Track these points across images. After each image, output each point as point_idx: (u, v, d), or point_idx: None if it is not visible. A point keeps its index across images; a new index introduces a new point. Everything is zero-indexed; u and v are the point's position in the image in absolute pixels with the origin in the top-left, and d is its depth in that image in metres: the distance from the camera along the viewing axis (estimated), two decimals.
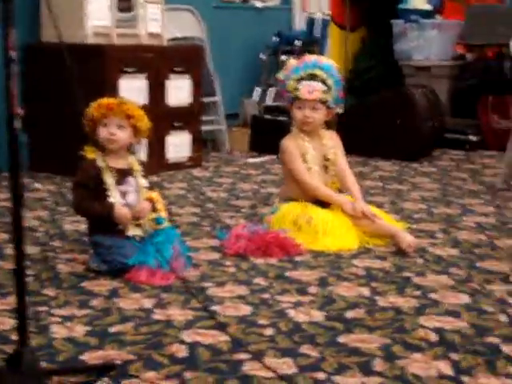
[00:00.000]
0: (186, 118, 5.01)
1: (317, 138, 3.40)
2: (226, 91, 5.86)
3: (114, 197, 2.82)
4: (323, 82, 3.32)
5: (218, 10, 6.19)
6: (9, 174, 1.76)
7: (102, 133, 2.81)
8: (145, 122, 2.88)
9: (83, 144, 2.91)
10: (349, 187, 3.38)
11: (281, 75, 3.44)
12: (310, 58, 3.40)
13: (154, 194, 2.93)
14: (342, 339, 2.23)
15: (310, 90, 3.32)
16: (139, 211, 2.82)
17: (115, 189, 2.82)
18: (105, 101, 2.82)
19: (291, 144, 3.38)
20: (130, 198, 2.85)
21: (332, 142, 3.41)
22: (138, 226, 2.86)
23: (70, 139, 4.47)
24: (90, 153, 2.85)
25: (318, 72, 3.33)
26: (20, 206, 1.73)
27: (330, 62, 3.43)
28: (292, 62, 3.43)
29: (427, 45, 6.50)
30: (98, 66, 4.28)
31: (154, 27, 4.93)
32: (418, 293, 2.64)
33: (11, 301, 2.49)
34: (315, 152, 3.37)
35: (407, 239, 3.13)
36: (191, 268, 2.88)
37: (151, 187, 2.97)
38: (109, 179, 2.81)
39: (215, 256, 3.07)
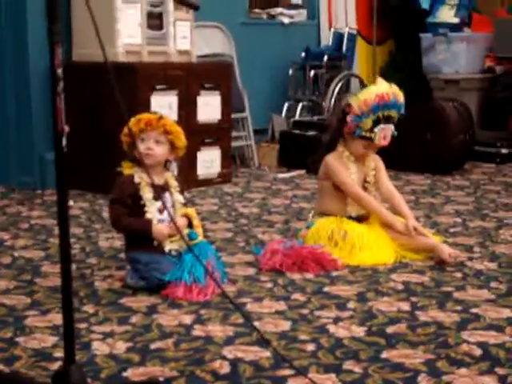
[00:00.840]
0: (216, 134, 5.03)
1: (361, 159, 3.39)
2: (254, 107, 5.87)
3: (151, 213, 2.82)
4: (394, 122, 3.29)
5: (246, 27, 6.22)
6: (56, 191, 1.77)
7: (140, 148, 2.81)
8: (182, 139, 2.88)
9: (117, 161, 2.92)
10: (398, 206, 3.36)
11: (356, 107, 3.23)
12: (390, 97, 3.22)
13: (190, 210, 2.93)
14: (384, 355, 2.21)
15: (385, 135, 3.27)
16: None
17: (153, 204, 2.83)
18: (144, 116, 2.83)
19: (338, 161, 3.36)
20: (166, 213, 2.85)
21: (374, 163, 3.39)
22: (174, 241, 2.86)
23: (102, 156, 4.53)
24: (127, 169, 2.86)
25: (393, 114, 3.26)
26: (66, 224, 1.72)
27: (402, 98, 3.28)
28: (371, 95, 3.21)
29: (456, 58, 6.48)
30: (130, 83, 4.30)
31: (184, 44, 4.97)
32: (459, 307, 2.61)
33: (51, 318, 2.51)
34: (357, 174, 3.35)
35: (446, 250, 3.12)
36: (228, 283, 2.87)
37: (186, 203, 2.97)
38: (146, 195, 2.82)
39: (251, 271, 3.06)
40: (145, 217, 2.81)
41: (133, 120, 2.81)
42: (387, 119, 3.25)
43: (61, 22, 1.65)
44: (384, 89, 3.23)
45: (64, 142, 1.69)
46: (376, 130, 3.24)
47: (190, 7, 2.05)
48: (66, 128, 1.71)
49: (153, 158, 2.83)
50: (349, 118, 3.25)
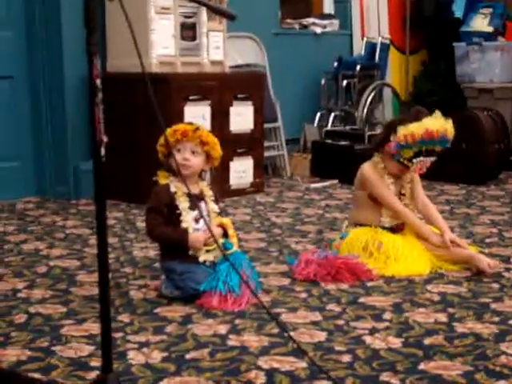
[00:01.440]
0: (249, 143, 5.03)
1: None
2: (286, 117, 5.87)
3: (187, 221, 2.83)
4: (437, 154, 3.26)
5: (278, 37, 6.23)
6: (94, 201, 1.77)
7: (177, 158, 2.82)
8: (217, 150, 2.89)
9: (152, 171, 2.93)
10: (433, 219, 3.34)
11: (402, 136, 3.18)
12: (439, 134, 3.17)
13: (226, 220, 2.93)
14: (422, 366, 2.18)
15: (422, 167, 3.26)
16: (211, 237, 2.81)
17: (189, 213, 2.83)
18: (181, 126, 2.84)
19: (373, 171, 3.34)
20: (202, 223, 2.85)
21: (409, 175, 3.37)
22: (209, 251, 2.86)
23: (137, 166, 4.56)
24: (163, 178, 2.87)
25: (437, 148, 3.23)
26: (105, 235, 1.73)
27: (452, 134, 3.24)
28: (421, 129, 3.16)
29: (490, 67, 6.41)
30: (164, 94, 4.32)
31: (217, 55, 4.98)
32: (497, 319, 2.57)
33: (87, 327, 2.52)
34: (393, 186, 3.33)
35: (485, 260, 3.09)
36: (262, 293, 2.87)
37: (221, 213, 2.97)
38: (182, 204, 2.83)
39: (285, 281, 3.05)
40: (180, 226, 2.82)
41: (169, 130, 2.82)
42: (430, 152, 3.22)
43: (98, 33, 1.66)
44: (436, 126, 3.17)
45: (103, 152, 1.70)
46: (415, 160, 3.23)
47: (226, 17, 2.05)
48: (105, 138, 1.72)
49: (189, 169, 2.84)
50: (392, 144, 3.23)
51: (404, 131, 3.19)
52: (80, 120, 4.81)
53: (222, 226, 2.88)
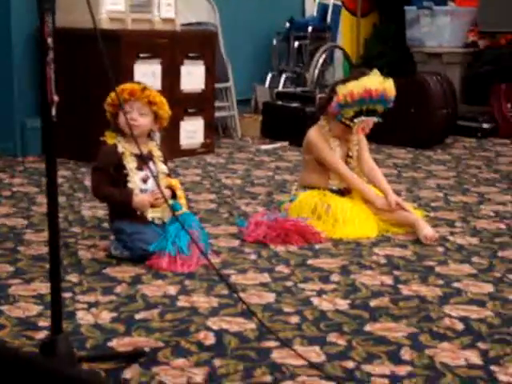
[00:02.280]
0: (200, 103, 5.00)
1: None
2: (237, 77, 5.84)
3: (135, 182, 2.81)
4: (379, 114, 3.28)
5: None
6: (45, 161, 1.75)
7: (123, 118, 2.78)
8: (166, 110, 2.87)
9: (101, 129, 2.90)
10: (378, 182, 3.38)
11: (341, 95, 3.22)
12: (378, 93, 3.20)
13: (174, 181, 2.93)
14: (368, 328, 2.24)
15: (364, 126, 3.28)
16: (159, 197, 2.80)
17: (136, 174, 2.81)
18: (128, 86, 2.80)
19: (319, 135, 3.36)
20: (150, 183, 2.84)
21: (356, 138, 3.39)
22: (156, 210, 2.85)
23: (85, 124, 4.49)
24: (110, 138, 2.84)
25: (378, 108, 3.25)
26: (55, 196, 1.71)
27: (392, 94, 3.26)
28: (359, 88, 3.19)
29: (440, 32, 6.47)
30: (114, 51, 4.25)
31: (168, 12, 4.91)
32: (441, 282, 2.64)
33: (35, 287, 2.51)
34: (339, 148, 3.36)
35: (424, 231, 3.13)
36: (212, 255, 2.88)
37: (169, 174, 2.96)
38: (130, 164, 2.80)
39: (235, 243, 3.07)
40: (127, 186, 2.80)
41: (116, 89, 2.77)
42: (370, 112, 3.25)
43: None
44: (375, 84, 3.20)
45: (53, 111, 1.67)
46: (356, 120, 3.26)
47: None
48: (56, 98, 1.69)
49: (137, 129, 2.81)
50: (332, 104, 3.25)
51: (343, 90, 3.22)
52: (27, 76, 4.71)
53: (170, 187, 2.87)
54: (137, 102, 2.82)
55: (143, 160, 2.80)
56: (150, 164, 2.87)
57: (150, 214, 2.84)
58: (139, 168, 2.83)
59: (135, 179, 2.82)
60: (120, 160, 2.81)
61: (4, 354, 1.50)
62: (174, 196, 2.90)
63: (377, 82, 3.21)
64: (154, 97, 2.84)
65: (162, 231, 2.81)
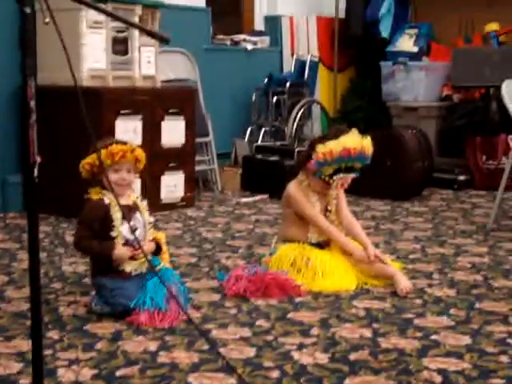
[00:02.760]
0: (180, 158, 5.06)
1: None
2: (217, 131, 5.92)
3: (119, 232, 2.83)
4: (357, 170, 3.35)
5: (210, 53, 6.29)
6: (27, 219, 1.78)
7: (113, 178, 2.83)
8: (144, 162, 2.94)
9: (81, 184, 2.93)
10: (357, 235, 3.43)
11: (320, 154, 3.26)
12: (356, 151, 3.27)
13: (160, 235, 2.97)
14: (347, 381, 2.25)
15: (343, 183, 3.36)
16: (138, 252, 2.82)
17: (123, 224, 2.84)
18: (117, 148, 2.84)
19: (298, 190, 3.42)
20: (137, 233, 2.87)
21: (335, 192, 3.45)
22: (134, 263, 2.88)
23: (65, 180, 4.52)
24: (95, 194, 2.87)
25: (357, 165, 3.32)
26: (36, 252, 1.74)
27: (370, 151, 3.32)
28: (338, 147, 3.25)
29: (415, 86, 6.62)
30: (95, 108, 4.31)
31: (149, 69, 5.01)
32: (419, 334, 2.67)
33: (16, 344, 2.51)
34: (318, 203, 3.41)
35: (402, 284, 3.17)
36: (193, 310, 2.90)
37: (153, 226, 3.00)
38: (116, 214, 2.83)
39: (216, 297, 3.09)
40: (110, 237, 2.83)
41: (105, 152, 2.81)
42: (349, 169, 3.32)
43: (35, 56, 1.68)
44: (353, 143, 3.26)
45: (35, 172, 1.71)
46: (335, 177, 3.32)
47: (161, 40, 2.09)
48: (38, 158, 1.73)
49: (127, 187, 2.89)
50: (312, 162, 3.32)
51: (322, 149, 3.28)
52: (9, 133, 4.75)
53: (155, 240, 2.91)
54: (127, 163, 2.87)
55: (130, 210, 2.85)
56: (137, 215, 2.91)
57: (129, 267, 2.86)
58: (125, 218, 2.85)
59: (120, 230, 2.85)
60: (107, 212, 2.84)
61: None
62: (158, 249, 2.94)
63: (355, 141, 3.29)
64: (140, 155, 2.92)
65: (140, 282, 2.83)
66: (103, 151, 2.79)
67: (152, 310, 2.75)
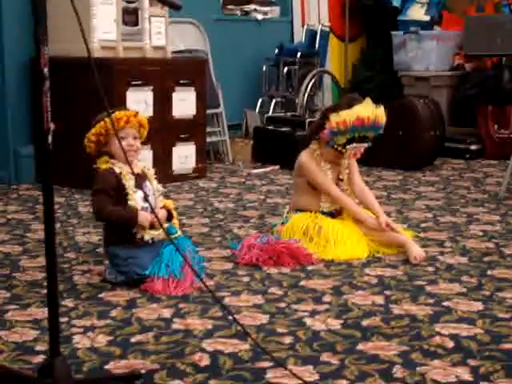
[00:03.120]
0: (191, 129, 5.06)
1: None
2: (228, 103, 5.91)
3: (135, 200, 2.85)
4: (370, 140, 3.34)
5: (220, 23, 6.26)
6: (42, 189, 1.80)
7: (119, 145, 2.82)
8: (147, 128, 2.97)
9: (93, 158, 2.94)
10: (369, 203, 3.43)
11: (333, 123, 3.27)
12: (370, 120, 3.26)
13: (169, 202, 2.98)
14: (360, 347, 2.27)
15: (356, 152, 3.35)
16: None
17: (135, 193, 2.86)
18: (122, 114, 2.86)
19: (310, 159, 3.42)
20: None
21: (347, 161, 3.44)
22: (153, 231, 2.89)
23: (77, 151, 4.53)
24: (103, 163, 2.89)
25: (370, 134, 3.31)
26: (52, 220, 1.76)
27: (383, 121, 3.32)
28: (351, 116, 3.25)
29: (426, 55, 6.58)
30: (106, 79, 4.31)
31: (159, 40, 4.99)
32: (431, 301, 2.68)
33: (31, 312, 2.54)
34: (330, 172, 3.41)
35: (414, 252, 3.18)
36: (206, 278, 2.92)
37: (164, 195, 3.01)
38: (129, 182, 2.85)
39: (228, 266, 3.11)
40: (128, 205, 2.84)
41: (108, 120, 2.82)
42: (362, 139, 3.31)
43: (46, 23, 1.68)
44: (367, 112, 3.26)
45: (50, 139, 1.72)
46: (348, 146, 3.32)
47: (172, 7, 2.08)
48: (52, 125, 1.74)
49: (135, 153, 2.90)
50: (325, 131, 3.31)
51: (336, 118, 3.27)
52: (20, 105, 4.77)
53: (165, 207, 2.92)
54: (131, 128, 2.88)
55: (140, 178, 2.86)
56: (146, 183, 2.92)
57: (147, 236, 2.87)
58: (137, 186, 2.87)
59: (135, 197, 2.86)
60: (119, 181, 2.85)
61: (4, 376, 1.54)
62: (169, 216, 2.95)
63: (368, 111, 3.28)
64: (143, 120, 2.93)
65: (155, 251, 2.84)
66: (107, 119, 2.79)
67: (167, 278, 2.77)
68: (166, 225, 2.88)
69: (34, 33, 1.68)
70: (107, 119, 2.81)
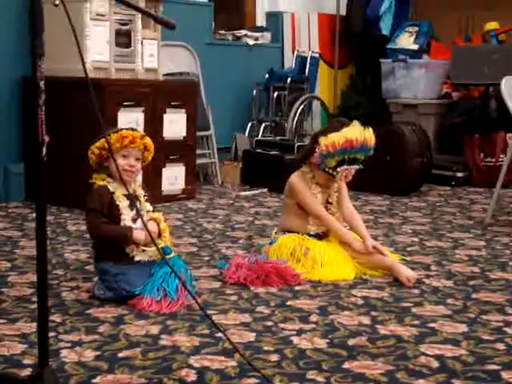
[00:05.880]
0: (181, 150, 5.10)
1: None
2: (218, 125, 5.96)
3: (128, 220, 2.87)
4: (361, 162, 3.38)
5: (211, 47, 6.33)
6: (35, 203, 1.81)
7: (121, 163, 2.85)
8: (153, 153, 2.97)
9: (83, 175, 2.97)
10: (357, 227, 3.46)
11: (323, 146, 3.31)
12: (359, 142, 3.30)
13: (157, 214, 2.97)
14: (346, 365, 2.29)
15: (347, 174, 3.39)
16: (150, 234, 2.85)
17: (128, 213, 2.88)
18: (127, 133, 2.88)
19: (300, 180, 3.46)
20: (138, 223, 2.90)
21: (337, 185, 3.49)
22: (145, 251, 2.90)
23: (67, 170, 4.56)
24: (99, 180, 2.91)
25: (359, 156, 3.36)
26: (44, 234, 1.77)
27: (372, 142, 3.36)
28: (340, 138, 3.29)
29: (414, 83, 6.66)
30: (98, 99, 4.31)
31: (151, 62, 5.04)
32: (417, 322, 2.71)
33: (19, 326, 2.54)
34: (320, 195, 3.45)
35: (405, 273, 3.21)
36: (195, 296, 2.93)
37: (153, 210, 3.01)
38: (122, 203, 2.87)
39: (216, 285, 3.13)
40: (121, 224, 2.87)
41: (115, 136, 2.85)
42: (353, 161, 3.35)
43: (43, 36, 1.71)
44: (355, 134, 3.30)
45: (44, 151, 1.75)
46: (339, 169, 3.36)
47: (166, 26, 2.12)
48: (47, 138, 1.77)
49: (134, 175, 2.92)
50: (316, 154, 3.36)
51: (325, 141, 3.32)
52: (10, 123, 4.79)
53: (153, 219, 2.92)
54: (135, 149, 2.91)
55: (132, 200, 2.87)
56: (137, 203, 2.94)
57: (138, 257, 2.89)
58: (130, 207, 2.89)
59: (128, 218, 2.88)
60: (113, 200, 2.87)
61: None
62: (159, 232, 2.95)
63: (357, 132, 3.32)
64: (150, 144, 2.95)
65: (147, 270, 2.85)
66: (113, 135, 2.83)
67: (158, 299, 2.77)
68: (161, 244, 2.88)
69: (31, 46, 1.71)
70: (113, 135, 2.84)
